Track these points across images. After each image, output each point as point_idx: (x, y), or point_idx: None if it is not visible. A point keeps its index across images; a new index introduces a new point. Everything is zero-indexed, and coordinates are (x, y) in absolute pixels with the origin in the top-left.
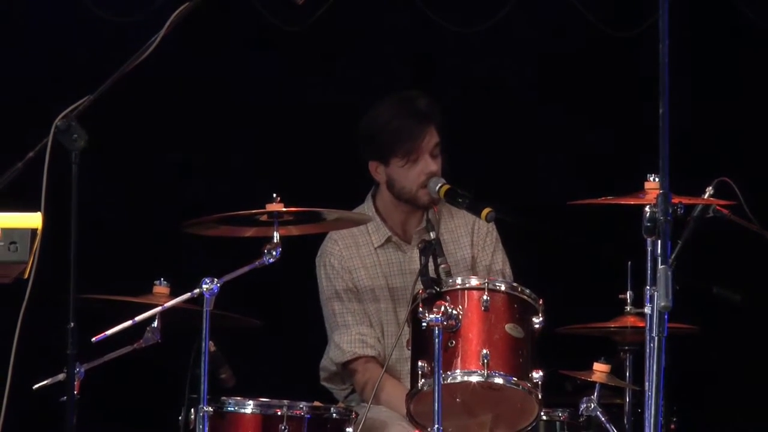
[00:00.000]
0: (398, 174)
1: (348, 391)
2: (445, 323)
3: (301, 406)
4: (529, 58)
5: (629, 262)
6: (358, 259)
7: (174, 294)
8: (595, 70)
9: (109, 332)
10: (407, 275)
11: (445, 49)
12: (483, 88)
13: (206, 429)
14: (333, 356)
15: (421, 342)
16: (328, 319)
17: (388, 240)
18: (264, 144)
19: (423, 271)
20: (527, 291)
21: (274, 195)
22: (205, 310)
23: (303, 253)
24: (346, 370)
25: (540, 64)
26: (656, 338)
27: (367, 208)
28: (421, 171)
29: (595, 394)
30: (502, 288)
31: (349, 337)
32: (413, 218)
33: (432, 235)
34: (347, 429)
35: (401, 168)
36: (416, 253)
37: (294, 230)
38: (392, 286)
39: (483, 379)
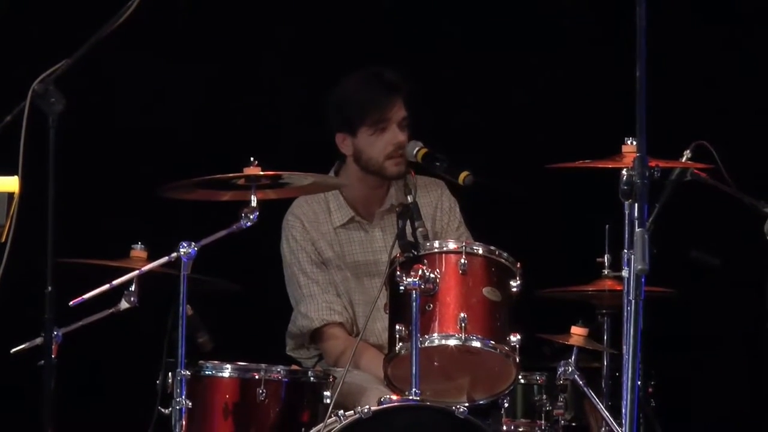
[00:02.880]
0: (366, 144)
1: (315, 359)
2: (422, 287)
3: (278, 370)
4: (503, 18)
5: (606, 226)
6: (319, 234)
7: (151, 258)
8: (572, 32)
9: (87, 296)
10: (369, 253)
11: (419, 4)
12: (457, 49)
13: (184, 393)
14: (301, 326)
15: (398, 306)
16: (294, 292)
17: (351, 219)
18: (242, 107)
19: (400, 235)
20: (505, 254)
21: (252, 159)
22: (182, 273)
23: (280, 217)
24: (314, 338)
25: (515, 25)
26: (633, 301)
27: None
28: (389, 141)
29: (573, 357)
30: (480, 251)
31: (316, 306)
32: (377, 195)
33: (410, 198)
34: (325, 393)
35: (369, 137)
36: (378, 232)
37: (271, 194)
38: (355, 261)
39: (460, 343)
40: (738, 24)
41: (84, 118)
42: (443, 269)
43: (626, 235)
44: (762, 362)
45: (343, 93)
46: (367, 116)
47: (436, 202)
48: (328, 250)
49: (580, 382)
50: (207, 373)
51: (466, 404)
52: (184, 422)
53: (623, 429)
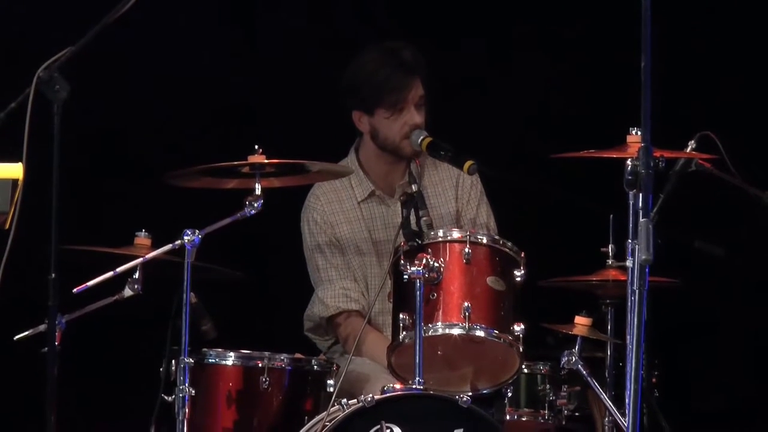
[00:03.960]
0: (382, 125)
1: (331, 342)
2: (426, 276)
3: (282, 358)
4: (509, 8)
5: (611, 216)
6: (341, 214)
7: (155, 245)
8: (578, 22)
9: (91, 283)
10: (390, 229)
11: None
12: (461, 39)
13: (187, 380)
14: (317, 311)
15: (402, 294)
16: (312, 274)
17: (372, 194)
18: (247, 95)
19: (404, 224)
20: (509, 244)
21: (256, 147)
22: (186, 261)
23: (284, 206)
24: (330, 324)
25: (518, 16)
26: (637, 291)
27: (350, 161)
28: (406, 122)
29: (577, 347)
30: (484, 241)
31: (333, 292)
32: (396, 171)
33: (414, 187)
34: (328, 381)
35: (386, 119)
36: (399, 207)
37: (276, 182)
38: (376, 239)
39: (464, 332)
40: (743, 14)
41: (89, 105)
42: (447, 258)
43: (630, 225)
44: (765, 352)
45: (360, 72)
46: (385, 98)
47: (456, 177)
48: (349, 231)
49: (584, 372)
50: (210, 360)
51: (470, 393)
52: (187, 410)
53: (627, 419)
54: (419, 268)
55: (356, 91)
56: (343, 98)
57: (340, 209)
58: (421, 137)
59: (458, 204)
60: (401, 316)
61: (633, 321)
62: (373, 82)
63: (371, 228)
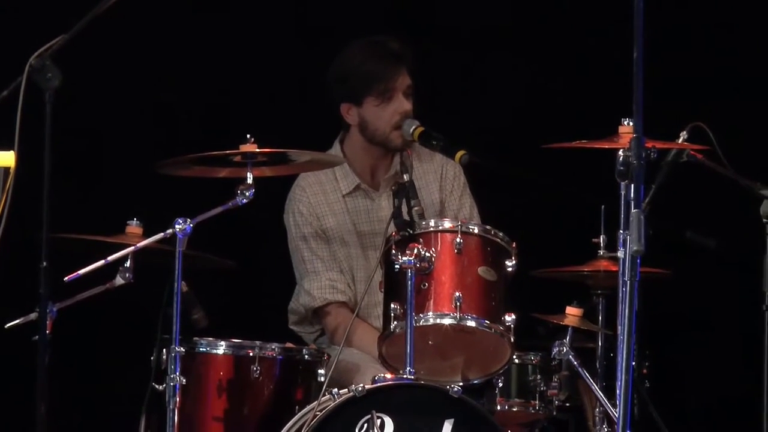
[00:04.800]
0: (372, 114)
1: (317, 334)
2: (417, 265)
3: (272, 347)
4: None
5: (602, 206)
6: (327, 206)
7: (147, 234)
8: (571, 14)
9: (82, 272)
10: (375, 222)
11: None
12: (454, 32)
13: (178, 369)
14: (303, 302)
15: (393, 284)
16: (298, 266)
17: (357, 187)
18: (238, 85)
19: (396, 213)
20: (500, 234)
21: (248, 136)
22: (177, 250)
23: (276, 195)
24: (316, 315)
25: (513, 7)
26: (629, 282)
27: (335, 153)
28: (395, 110)
29: (568, 337)
30: (475, 231)
31: (320, 284)
32: (382, 164)
33: (406, 177)
34: (319, 371)
35: (376, 107)
36: (384, 201)
37: (267, 171)
38: (360, 232)
39: (455, 322)
40: (735, 3)
41: (81, 92)
42: (438, 248)
43: (622, 216)
44: (757, 343)
45: (348, 63)
46: (374, 87)
47: (439, 169)
48: (334, 223)
49: (575, 363)
50: (201, 349)
51: (461, 383)
52: (178, 398)
53: (617, 409)
54: (410, 258)
55: (344, 82)
56: (330, 91)
57: (325, 201)
58: (413, 126)
59: (442, 194)
60: (392, 305)
61: (624, 312)
62: (362, 71)
63: (356, 221)
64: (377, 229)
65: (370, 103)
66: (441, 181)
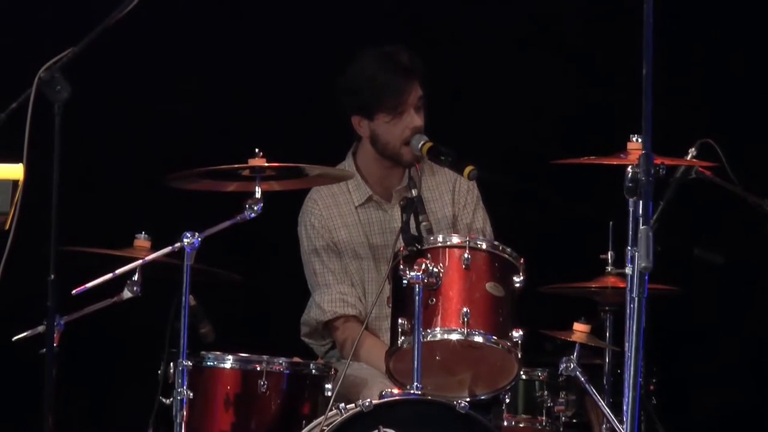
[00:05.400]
0: (383, 129)
1: (328, 347)
2: (425, 281)
3: (280, 361)
4: (511, 15)
5: (611, 223)
6: (339, 218)
7: (155, 248)
8: (579, 29)
9: (90, 285)
10: (387, 234)
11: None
12: (463, 44)
13: (185, 383)
14: (314, 315)
15: (401, 299)
16: (310, 278)
17: (369, 199)
18: (247, 99)
19: (404, 228)
20: (508, 250)
21: (257, 150)
22: (185, 264)
23: (284, 209)
24: (327, 328)
25: (522, 22)
26: (636, 299)
27: (347, 165)
28: (406, 126)
29: (575, 354)
30: (483, 246)
31: (330, 297)
32: (394, 176)
33: (414, 192)
34: (326, 385)
35: (387, 123)
36: (397, 212)
37: (276, 185)
38: (373, 244)
39: (463, 338)
40: (744, 21)
41: (90, 105)
42: (446, 263)
43: (630, 232)
44: (764, 360)
45: (358, 76)
46: (384, 102)
47: (452, 182)
48: (347, 235)
49: (582, 379)
50: (209, 363)
51: (468, 399)
52: (185, 412)
53: (624, 426)
54: (418, 273)
55: (355, 96)
56: (341, 103)
57: (338, 213)
58: (422, 142)
59: (455, 208)
60: (400, 320)
61: (632, 328)
62: (373, 86)
63: (368, 233)
64: (389, 241)
65: (380, 119)
66: (454, 194)
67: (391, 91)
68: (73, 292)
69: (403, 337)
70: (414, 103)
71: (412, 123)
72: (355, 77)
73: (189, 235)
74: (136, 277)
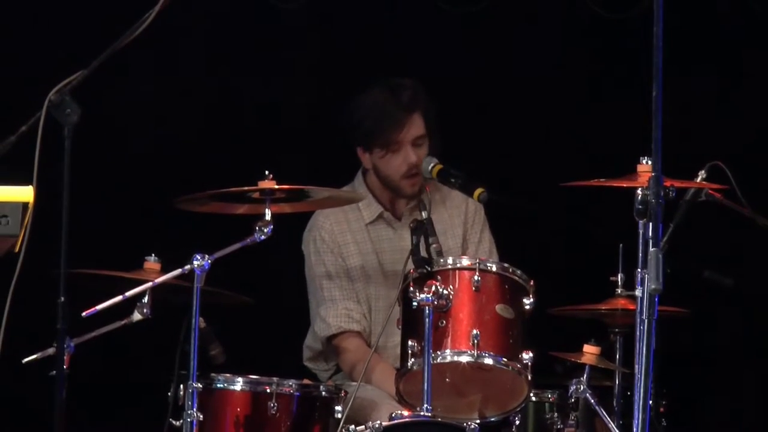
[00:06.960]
0: (380, 163)
1: (331, 372)
2: (435, 303)
3: (290, 383)
4: (521, 39)
5: (621, 245)
6: (349, 234)
7: (165, 270)
8: (588, 52)
9: (100, 307)
10: (397, 252)
11: (437, 27)
12: (474, 70)
13: (195, 405)
14: (318, 330)
15: (411, 321)
16: (315, 294)
17: (380, 216)
18: (256, 121)
19: (414, 251)
20: (518, 272)
21: (267, 172)
22: (195, 286)
23: (294, 231)
24: (330, 344)
25: (532, 46)
26: (646, 321)
27: (357, 184)
28: (402, 161)
29: (585, 376)
30: (494, 268)
31: (336, 312)
32: (401, 198)
33: (424, 214)
34: (336, 407)
35: (382, 159)
36: (406, 231)
37: (286, 208)
38: (382, 261)
39: (473, 359)
40: (753, 44)
41: (99, 128)
42: (456, 285)
43: (640, 255)
44: None
45: (357, 112)
46: (378, 138)
47: (463, 203)
48: (355, 255)
49: (592, 401)
50: (219, 385)
51: (478, 421)
52: None
53: None
54: (428, 295)
55: (354, 128)
56: (345, 132)
57: (348, 230)
58: (432, 164)
59: (464, 228)
60: (410, 342)
61: (642, 350)
62: (367, 121)
63: (379, 250)
64: (398, 261)
65: (376, 154)
66: (465, 215)
67: (384, 127)
68: (84, 314)
69: (413, 359)
70: (411, 139)
71: (408, 159)
72: (354, 112)
73: (199, 258)
74: (146, 300)
